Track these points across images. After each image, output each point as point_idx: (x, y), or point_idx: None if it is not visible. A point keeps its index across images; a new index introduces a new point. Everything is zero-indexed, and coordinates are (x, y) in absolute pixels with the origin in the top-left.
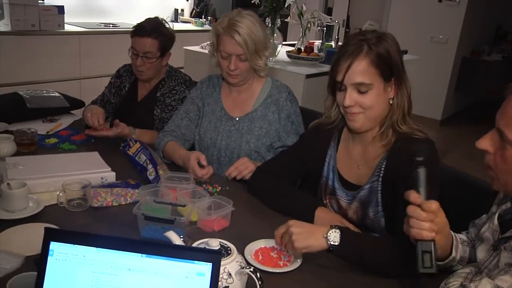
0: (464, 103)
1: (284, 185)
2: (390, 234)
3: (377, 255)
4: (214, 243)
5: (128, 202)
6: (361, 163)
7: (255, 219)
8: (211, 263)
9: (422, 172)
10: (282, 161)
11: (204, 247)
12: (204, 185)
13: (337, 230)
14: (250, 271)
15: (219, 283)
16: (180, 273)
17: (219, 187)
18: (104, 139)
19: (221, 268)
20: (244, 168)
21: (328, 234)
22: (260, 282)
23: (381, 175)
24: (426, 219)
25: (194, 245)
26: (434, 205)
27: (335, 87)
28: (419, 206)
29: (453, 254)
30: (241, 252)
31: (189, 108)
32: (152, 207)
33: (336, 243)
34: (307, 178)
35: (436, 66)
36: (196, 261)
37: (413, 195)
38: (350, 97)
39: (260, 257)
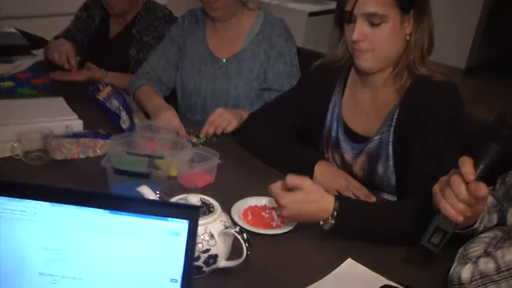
0: (492, 52)
1: (279, 136)
2: (401, 193)
3: (383, 230)
4: (194, 199)
5: (97, 155)
6: (370, 111)
7: (245, 174)
8: (187, 221)
9: (495, 150)
10: (278, 108)
11: (181, 203)
12: (188, 136)
13: (332, 221)
14: (235, 231)
15: (199, 245)
16: (151, 232)
17: (204, 137)
18: (70, 82)
19: (201, 228)
20: (221, 120)
21: (326, 221)
22: (247, 244)
23: (393, 124)
24: (465, 201)
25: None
26: (483, 191)
27: (343, 18)
28: (466, 182)
29: (476, 225)
30: (227, 211)
31: (167, 48)
32: (124, 159)
33: (330, 227)
34: (307, 129)
35: (463, 4)
36: (170, 218)
37: (468, 168)
38: (359, 30)
39: (250, 217)
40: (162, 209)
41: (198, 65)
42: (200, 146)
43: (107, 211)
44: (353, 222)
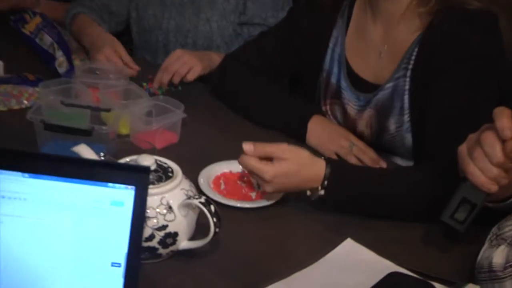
0: None
1: (263, 83)
2: (419, 158)
3: (390, 203)
4: (147, 160)
5: (23, 106)
6: (382, 50)
7: (218, 132)
8: (133, 187)
9: None
10: (261, 47)
11: (125, 164)
12: (145, 83)
13: (321, 191)
14: (200, 202)
15: (153, 220)
16: (84, 201)
17: (167, 86)
18: None
19: (156, 199)
20: (180, 65)
21: (314, 193)
22: (215, 219)
23: (411, 67)
24: (500, 164)
25: None
26: None
27: None
28: (503, 140)
29: None
30: (193, 178)
31: None
32: (59, 112)
33: (318, 199)
34: (299, 75)
35: None
36: (110, 184)
37: (505, 121)
38: None
39: (222, 186)
40: (99, 171)
41: None
42: (160, 96)
43: (25, 175)
44: (349, 194)
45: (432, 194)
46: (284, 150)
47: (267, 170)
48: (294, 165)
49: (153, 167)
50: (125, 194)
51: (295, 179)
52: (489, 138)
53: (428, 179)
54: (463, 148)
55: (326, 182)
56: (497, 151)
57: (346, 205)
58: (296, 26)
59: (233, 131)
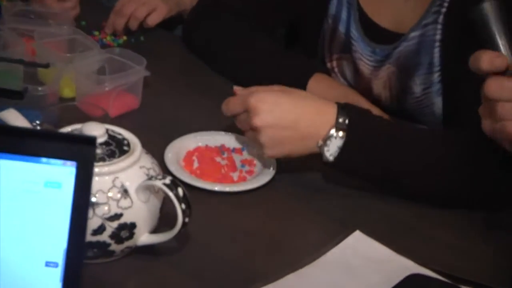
0: None
1: (251, 33)
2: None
3: (420, 171)
4: (95, 129)
5: None
6: None
7: (191, 95)
8: (74, 163)
9: (490, 8)
10: None
11: (63, 133)
12: (97, 32)
13: (342, 133)
14: (164, 184)
15: (104, 207)
16: (10, 182)
17: (125, 36)
18: None
19: (107, 179)
20: (138, 5)
21: (326, 142)
22: (183, 206)
23: (444, 11)
24: None
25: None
26: None
27: None
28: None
29: None
30: (158, 153)
31: None
32: None
33: (334, 156)
34: (297, 23)
35: None
36: (43, 159)
37: (486, 57)
38: None
39: (196, 164)
40: (29, 143)
41: None
42: (116, 48)
43: None
44: (374, 143)
45: (469, 171)
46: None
47: (253, 91)
48: (296, 98)
49: (102, 139)
50: (63, 172)
51: (292, 107)
52: (492, 84)
53: (466, 151)
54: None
55: (346, 121)
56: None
57: (368, 160)
58: None
59: (210, 93)
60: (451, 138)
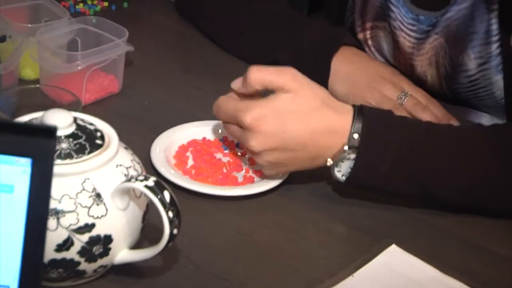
0: None
1: None
2: None
3: (470, 182)
4: (59, 118)
5: None
6: None
7: (183, 76)
8: (28, 160)
9: None
10: None
11: (15, 123)
12: None
13: (355, 152)
14: (146, 186)
15: (70, 216)
16: None
17: (105, 2)
18: None
19: (75, 181)
20: None
21: (338, 162)
22: (170, 215)
23: None
24: None
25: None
26: None
27: None
28: None
29: None
30: (144, 149)
31: None
32: None
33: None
34: None
35: None
36: None
37: None
38: None
39: (191, 162)
40: None
41: None
42: (92, 17)
43: None
44: (395, 158)
45: None
46: (287, 79)
47: (249, 107)
48: (306, 112)
49: (68, 130)
50: (14, 172)
51: (300, 127)
52: None
53: None
54: None
55: (356, 136)
56: None
57: (387, 178)
58: None
59: (209, 74)
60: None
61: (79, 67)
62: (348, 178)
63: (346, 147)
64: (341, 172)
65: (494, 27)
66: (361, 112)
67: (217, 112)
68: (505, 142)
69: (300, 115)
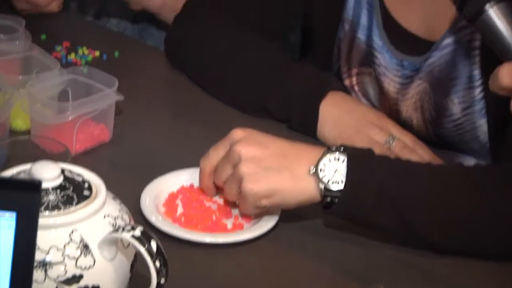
0: None
1: (249, 40)
2: (499, 158)
3: (451, 217)
4: (47, 170)
5: None
6: None
7: (174, 124)
8: (13, 214)
9: (496, 13)
10: None
11: (6, 177)
12: (59, 47)
13: (342, 155)
14: (133, 237)
15: (58, 267)
16: None
17: (96, 51)
18: None
19: (63, 233)
20: None
21: (320, 164)
22: (158, 264)
23: None
24: None
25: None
26: None
27: None
28: None
29: None
30: (134, 197)
31: None
32: None
33: (337, 189)
34: (307, 28)
35: None
36: None
37: (504, 70)
38: None
39: (181, 210)
40: None
41: None
42: (83, 67)
43: None
44: (380, 193)
45: None
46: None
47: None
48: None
49: (56, 182)
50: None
51: (287, 148)
52: None
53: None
54: None
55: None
56: None
57: (370, 211)
58: None
59: (198, 119)
60: (492, 179)
61: (70, 118)
62: (333, 208)
63: (327, 153)
64: (327, 177)
65: (476, 72)
66: (343, 148)
67: (209, 158)
68: (487, 182)
69: (281, 139)
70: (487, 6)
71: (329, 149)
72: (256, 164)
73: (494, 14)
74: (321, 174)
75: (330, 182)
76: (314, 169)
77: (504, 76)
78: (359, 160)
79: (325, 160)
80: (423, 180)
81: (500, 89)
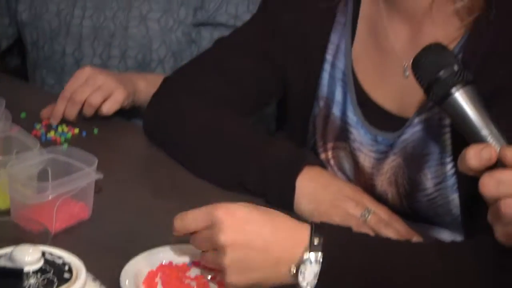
0: None
1: (227, 119)
2: (472, 231)
3: None
4: (29, 255)
5: None
6: (408, 64)
7: (153, 201)
8: None
9: (463, 96)
10: (222, 63)
11: None
12: (39, 125)
13: (318, 255)
14: None
15: None
16: None
17: (75, 129)
18: None
19: None
20: (90, 91)
21: (301, 268)
22: None
23: None
24: None
25: None
26: None
27: None
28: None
29: None
30: (113, 277)
31: None
32: None
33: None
34: (282, 105)
35: None
36: None
37: (471, 152)
38: None
39: (160, 287)
40: None
41: None
42: (63, 146)
43: None
44: (355, 276)
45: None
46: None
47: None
48: (268, 214)
49: (36, 266)
50: None
51: (265, 221)
52: (488, 181)
53: (485, 263)
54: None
55: (320, 242)
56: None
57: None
58: (274, 27)
59: (177, 196)
60: (466, 255)
61: (50, 197)
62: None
63: (307, 253)
64: (306, 280)
65: (448, 148)
66: (320, 225)
67: (182, 224)
68: (462, 261)
69: (264, 216)
70: (453, 90)
71: (311, 241)
72: (240, 260)
73: (460, 97)
74: (300, 278)
75: (308, 286)
76: (295, 270)
77: (472, 158)
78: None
79: (307, 262)
80: (397, 262)
81: (468, 170)
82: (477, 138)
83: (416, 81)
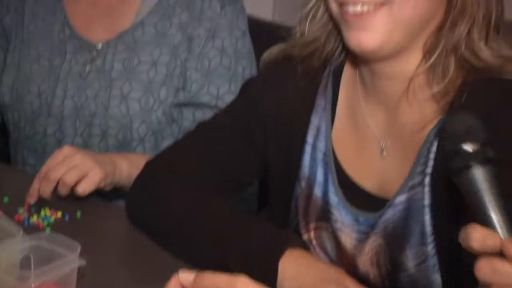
0: None
1: (209, 201)
2: None
3: None
4: None
5: None
6: (385, 145)
7: (135, 286)
8: None
9: (482, 175)
10: (206, 145)
11: None
12: (21, 210)
13: None
14: None
15: None
16: None
17: (58, 212)
18: None
19: None
20: (66, 170)
21: None
22: None
23: (429, 171)
24: None
25: None
26: None
27: None
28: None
29: None
30: None
31: None
32: None
33: None
34: (264, 186)
35: None
36: None
37: (477, 235)
38: None
39: None
40: None
41: (48, 56)
42: (46, 232)
43: None
44: None
45: None
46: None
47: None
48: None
49: None
50: None
51: None
52: (485, 265)
53: None
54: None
55: None
56: (501, 267)
57: None
58: (255, 111)
59: (161, 280)
60: None
61: (32, 285)
62: None
63: None
64: None
65: (428, 229)
66: None
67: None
68: None
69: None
70: (475, 164)
71: None
72: None
73: (480, 173)
74: None
75: None
76: None
77: (475, 240)
78: None
79: None
80: None
81: (467, 248)
82: (484, 218)
83: (440, 143)
